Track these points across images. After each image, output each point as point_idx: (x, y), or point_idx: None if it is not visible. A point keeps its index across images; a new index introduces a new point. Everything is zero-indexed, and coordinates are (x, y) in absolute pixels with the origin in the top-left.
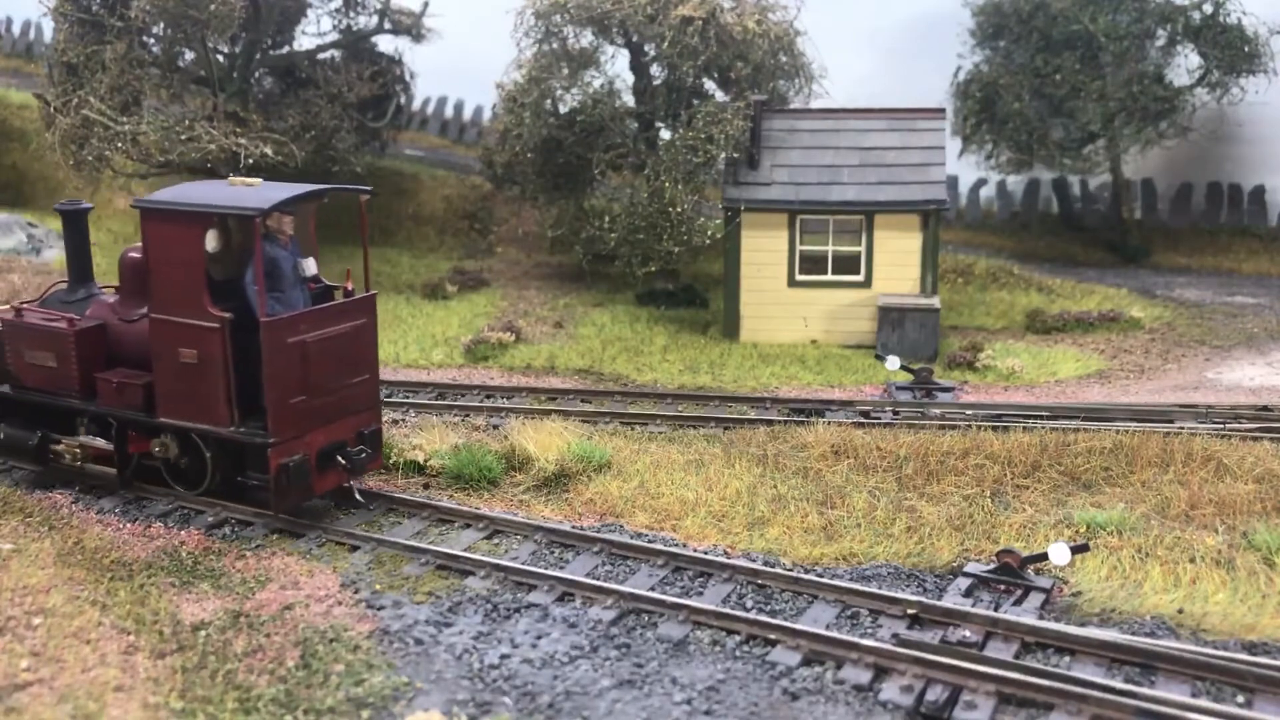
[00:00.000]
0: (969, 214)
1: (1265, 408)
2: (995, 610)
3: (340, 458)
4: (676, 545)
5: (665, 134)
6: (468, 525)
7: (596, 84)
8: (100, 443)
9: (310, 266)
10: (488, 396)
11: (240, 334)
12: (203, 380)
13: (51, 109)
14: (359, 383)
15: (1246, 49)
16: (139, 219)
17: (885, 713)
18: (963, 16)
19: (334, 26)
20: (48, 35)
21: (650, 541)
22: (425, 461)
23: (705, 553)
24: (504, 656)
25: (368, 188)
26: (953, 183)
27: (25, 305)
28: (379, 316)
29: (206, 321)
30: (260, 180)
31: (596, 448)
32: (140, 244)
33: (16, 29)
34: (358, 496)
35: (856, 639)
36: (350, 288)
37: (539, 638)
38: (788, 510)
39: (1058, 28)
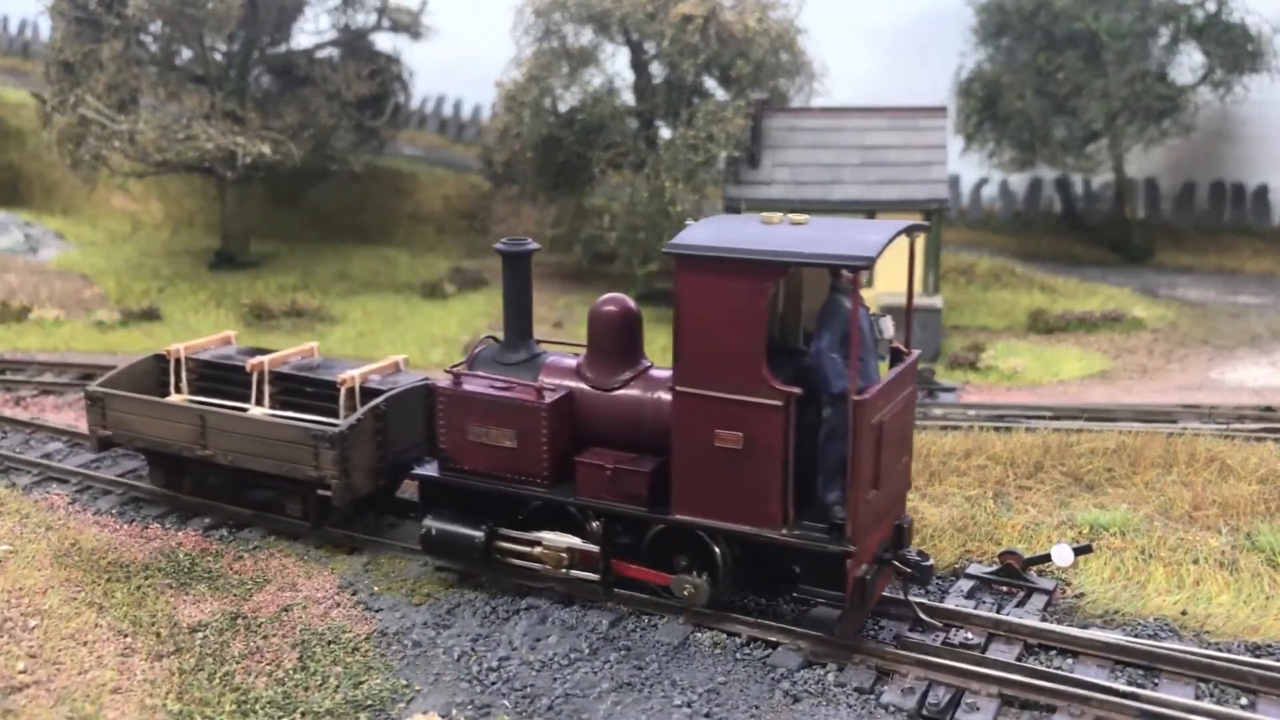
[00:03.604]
0: (971, 213)
1: (1269, 408)
2: (998, 612)
3: (897, 562)
4: None
5: (665, 132)
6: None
7: (596, 82)
8: (575, 541)
9: (888, 327)
10: None
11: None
12: (747, 470)
13: (48, 107)
14: (904, 466)
15: (1250, 48)
16: (675, 268)
17: (887, 715)
18: (965, 15)
19: (332, 24)
20: (45, 34)
21: None
22: None
23: None
24: (503, 659)
25: (924, 223)
26: (955, 182)
27: (458, 370)
28: (380, 318)
29: (764, 398)
30: (806, 217)
31: None
32: (613, 294)
33: (14, 27)
34: (922, 615)
35: (858, 641)
36: (899, 346)
37: (538, 640)
38: None
39: (1060, 26)
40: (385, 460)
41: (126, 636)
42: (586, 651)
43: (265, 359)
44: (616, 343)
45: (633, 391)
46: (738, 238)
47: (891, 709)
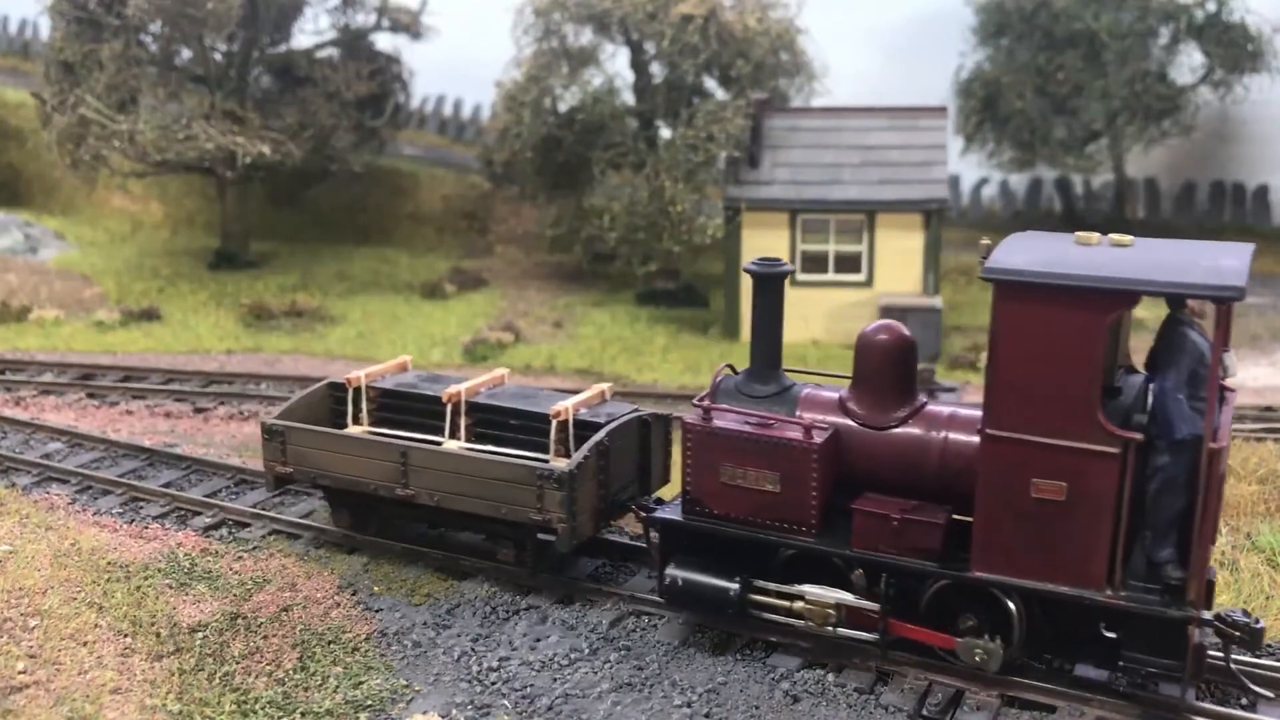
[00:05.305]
0: (971, 213)
1: (1269, 408)
2: None
3: (1220, 623)
4: None
5: (665, 132)
6: None
7: (596, 82)
8: (848, 598)
9: (1234, 365)
10: None
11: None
12: (1069, 524)
13: (48, 107)
14: None
15: (1250, 47)
16: (993, 296)
17: (887, 715)
18: (965, 14)
19: (332, 24)
20: (45, 34)
21: None
22: None
23: None
24: (503, 659)
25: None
26: (955, 182)
27: (706, 402)
28: (379, 318)
29: (1097, 444)
30: (1131, 238)
31: None
32: (886, 321)
33: (13, 27)
34: (1251, 685)
35: (859, 641)
36: (1225, 385)
37: (538, 640)
38: None
39: (1060, 25)
40: (606, 500)
41: (126, 636)
42: (586, 651)
43: (461, 388)
44: (891, 376)
45: (913, 430)
46: (1067, 262)
47: (891, 709)
